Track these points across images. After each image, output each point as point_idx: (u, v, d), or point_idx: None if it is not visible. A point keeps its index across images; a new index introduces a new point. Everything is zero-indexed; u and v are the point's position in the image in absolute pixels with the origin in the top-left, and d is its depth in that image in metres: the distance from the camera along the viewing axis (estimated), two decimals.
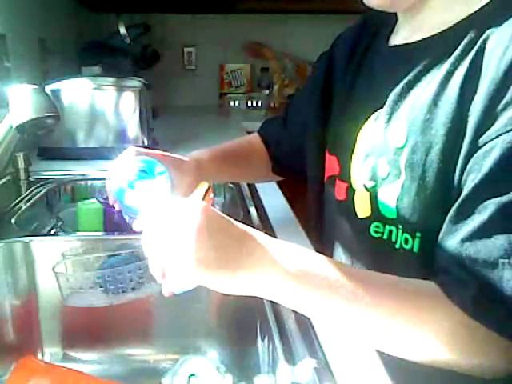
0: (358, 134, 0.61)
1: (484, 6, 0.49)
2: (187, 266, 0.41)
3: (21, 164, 1.01)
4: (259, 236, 0.46)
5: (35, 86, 0.80)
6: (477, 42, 0.47)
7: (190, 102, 2.69)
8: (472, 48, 0.47)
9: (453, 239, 0.45)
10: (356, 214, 0.61)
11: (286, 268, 0.44)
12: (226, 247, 0.43)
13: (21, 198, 0.99)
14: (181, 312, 0.81)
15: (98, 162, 1.23)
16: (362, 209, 0.60)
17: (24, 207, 0.96)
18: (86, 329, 0.83)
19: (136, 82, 1.36)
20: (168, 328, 0.84)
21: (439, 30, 0.52)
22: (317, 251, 0.49)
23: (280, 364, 0.50)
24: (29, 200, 0.99)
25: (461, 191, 0.46)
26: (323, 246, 0.73)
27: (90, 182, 1.14)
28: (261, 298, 0.49)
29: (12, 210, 0.94)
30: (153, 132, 1.45)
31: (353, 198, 0.61)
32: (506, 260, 0.41)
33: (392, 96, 0.56)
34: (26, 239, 0.81)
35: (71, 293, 0.72)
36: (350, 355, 0.51)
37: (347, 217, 0.63)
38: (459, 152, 0.46)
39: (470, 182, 0.44)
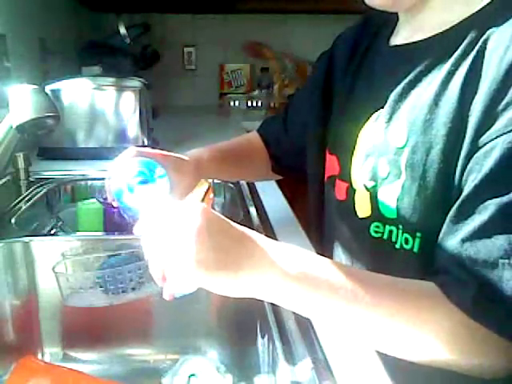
0: (358, 134, 0.61)
1: (485, 6, 0.49)
2: (187, 268, 0.41)
3: (21, 164, 1.01)
4: (259, 238, 0.46)
5: (35, 86, 0.80)
6: (477, 42, 0.47)
7: (190, 102, 2.69)
8: (473, 48, 0.47)
9: (453, 239, 0.45)
10: (356, 213, 0.61)
11: (286, 270, 0.43)
12: (226, 249, 0.43)
13: (21, 198, 0.99)
14: (181, 312, 0.81)
15: (97, 162, 1.22)
16: (362, 209, 0.60)
17: (24, 207, 0.96)
18: (86, 329, 0.83)
19: (136, 82, 1.36)
20: (168, 328, 0.84)
21: (440, 30, 0.52)
22: (317, 251, 0.50)
23: (280, 364, 0.50)
24: (29, 200, 0.99)
25: (461, 191, 0.46)
26: (323, 245, 0.73)
27: (90, 182, 1.14)
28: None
29: (12, 210, 0.94)
30: (153, 132, 1.45)
31: (353, 198, 0.61)
32: (506, 260, 0.41)
33: (393, 96, 0.56)
34: (26, 239, 0.81)
35: (71, 293, 0.72)
36: (349, 355, 0.51)
37: (347, 217, 0.63)
38: (460, 152, 0.46)
39: (471, 182, 0.44)
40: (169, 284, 0.45)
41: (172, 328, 0.84)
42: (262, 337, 0.62)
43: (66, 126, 1.29)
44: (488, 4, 0.49)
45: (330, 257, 0.68)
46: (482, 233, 0.42)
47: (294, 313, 0.56)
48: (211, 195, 1.02)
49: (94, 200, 1.02)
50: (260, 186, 1.08)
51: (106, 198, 0.83)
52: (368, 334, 0.46)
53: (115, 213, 0.95)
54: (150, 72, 2.22)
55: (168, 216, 0.44)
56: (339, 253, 0.67)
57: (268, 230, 0.84)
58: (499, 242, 0.41)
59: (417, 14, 0.56)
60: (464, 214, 0.45)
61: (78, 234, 0.98)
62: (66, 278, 0.72)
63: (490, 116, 0.43)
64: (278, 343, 0.53)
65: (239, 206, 0.98)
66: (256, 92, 2.63)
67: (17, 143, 0.85)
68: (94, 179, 1.14)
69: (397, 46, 0.60)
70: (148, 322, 0.85)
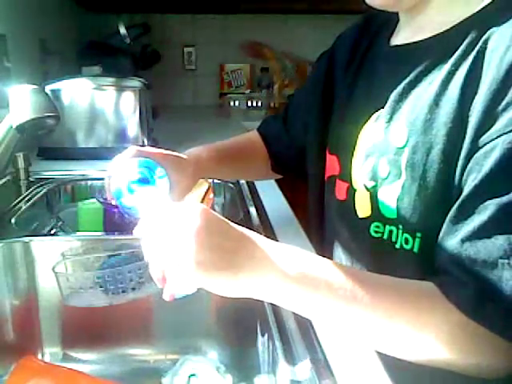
0: (358, 134, 0.61)
1: (485, 6, 0.49)
2: (187, 269, 0.41)
3: (21, 164, 1.01)
4: (258, 238, 0.46)
5: (35, 86, 0.80)
6: (478, 42, 0.47)
7: (190, 102, 2.70)
8: (473, 48, 0.47)
9: (453, 239, 0.45)
10: (356, 213, 0.61)
11: (285, 270, 0.43)
12: (226, 250, 0.43)
13: (21, 198, 0.99)
14: (181, 312, 0.81)
15: (97, 162, 1.22)
16: (363, 209, 0.60)
17: (24, 207, 0.96)
18: (86, 329, 0.83)
19: (136, 82, 1.36)
20: (168, 328, 0.84)
21: (441, 30, 0.52)
22: (317, 251, 0.49)
23: (280, 364, 0.50)
24: (29, 200, 0.99)
25: (461, 191, 0.46)
26: (323, 245, 0.73)
27: (89, 182, 1.14)
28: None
29: (12, 210, 0.94)
30: (153, 132, 1.45)
31: (353, 198, 0.61)
32: (506, 260, 0.41)
33: (393, 96, 0.56)
34: (26, 239, 0.81)
35: (71, 293, 0.72)
36: (349, 355, 0.51)
37: (347, 217, 0.63)
38: (460, 152, 0.46)
39: (471, 182, 0.44)
40: (169, 285, 0.44)
41: (172, 328, 0.84)
42: (262, 337, 0.62)
43: (66, 126, 1.29)
44: (488, 4, 0.49)
45: (330, 257, 0.68)
46: (481, 233, 0.42)
47: (294, 313, 0.56)
48: (211, 195, 1.02)
49: (94, 200, 1.02)
50: (260, 186, 1.08)
51: (106, 198, 0.83)
52: (367, 334, 0.46)
53: (115, 213, 0.95)
54: (150, 72, 2.22)
55: (167, 217, 0.44)
56: (339, 253, 0.67)
57: (268, 230, 0.84)
58: (499, 242, 0.41)
59: (417, 14, 0.56)
60: (464, 214, 0.45)
61: (78, 234, 0.98)
62: (66, 277, 0.72)
63: (490, 116, 0.43)
64: (277, 343, 0.53)
65: (239, 206, 0.98)
66: (256, 92, 2.63)
67: (17, 143, 0.85)
68: (94, 179, 1.13)
69: (397, 45, 0.60)
70: (148, 322, 0.85)
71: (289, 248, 0.47)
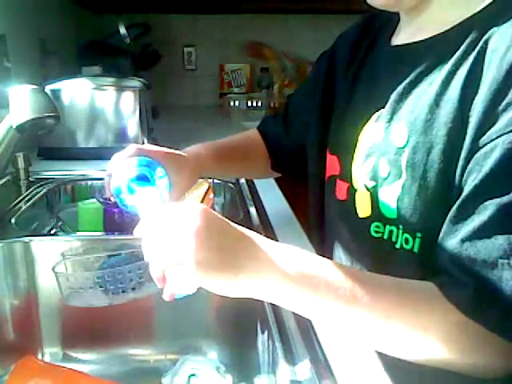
0: (359, 134, 0.61)
1: (486, 6, 0.49)
2: (187, 269, 0.41)
3: (21, 164, 1.01)
4: (258, 238, 0.46)
5: (35, 86, 0.80)
6: (479, 42, 0.47)
7: (190, 102, 2.69)
8: (474, 48, 0.47)
9: (453, 239, 0.45)
10: (357, 213, 0.61)
11: (285, 270, 0.43)
12: (225, 249, 0.43)
13: (21, 198, 0.99)
14: (181, 312, 0.81)
15: (97, 162, 1.22)
16: (363, 209, 0.60)
17: (24, 207, 0.96)
18: (86, 329, 0.83)
19: (136, 82, 1.36)
20: (168, 328, 0.84)
21: (441, 30, 0.53)
22: (317, 251, 0.49)
23: (280, 364, 0.50)
24: (29, 200, 0.99)
25: (461, 191, 0.46)
26: (323, 245, 0.73)
27: (90, 182, 1.14)
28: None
29: (12, 210, 0.94)
30: (153, 132, 1.45)
31: (353, 198, 0.61)
32: (506, 260, 0.41)
33: (393, 96, 0.56)
34: (26, 239, 0.81)
35: (71, 293, 0.72)
36: (349, 355, 0.51)
37: (348, 217, 0.63)
38: (460, 152, 0.46)
39: (471, 182, 0.44)
40: (169, 285, 0.44)
41: (172, 328, 0.84)
42: (262, 337, 0.62)
43: (66, 126, 1.29)
44: (489, 4, 0.49)
45: (330, 257, 0.68)
46: (481, 233, 0.42)
47: (294, 313, 0.56)
48: (211, 195, 1.02)
49: (94, 200, 1.02)
50: (260, 185, 1.08)
51: (106, 198, 0.83)
52: (367, 333, 0.46)
53: (115, 213, 0.95)
54: (150, 72, 2.22)
55: (167, 217, 0.44)
56: (339, 253, 0.67)
57: (268, 230, 0.84)
58: (499, 242, 0.41)
59: (418, 14, 0.56)
60: (464, 214, 0.45)
61: (78, 234, 0.98)
62: (66, 277, 0.72)
63: (490, 116, 0.43)
64: (277, 343, 0.53)
65: (239, 206, 0.98)
66: (256, 92, 2.63)
67: (17, 143, 0.85)
68: (94, 179, 1.13)
69: (398, 45, 0.60)
70: (148, 322, 0.85)
71: (289, 248, 0.47)
